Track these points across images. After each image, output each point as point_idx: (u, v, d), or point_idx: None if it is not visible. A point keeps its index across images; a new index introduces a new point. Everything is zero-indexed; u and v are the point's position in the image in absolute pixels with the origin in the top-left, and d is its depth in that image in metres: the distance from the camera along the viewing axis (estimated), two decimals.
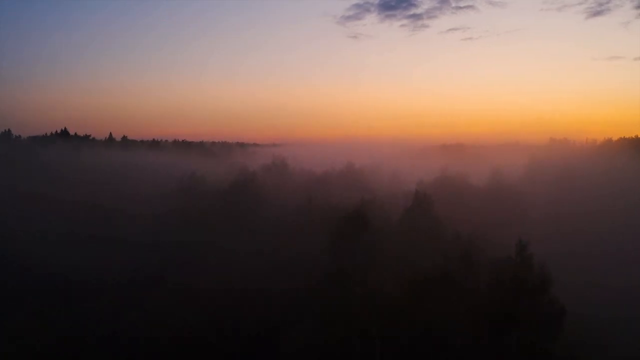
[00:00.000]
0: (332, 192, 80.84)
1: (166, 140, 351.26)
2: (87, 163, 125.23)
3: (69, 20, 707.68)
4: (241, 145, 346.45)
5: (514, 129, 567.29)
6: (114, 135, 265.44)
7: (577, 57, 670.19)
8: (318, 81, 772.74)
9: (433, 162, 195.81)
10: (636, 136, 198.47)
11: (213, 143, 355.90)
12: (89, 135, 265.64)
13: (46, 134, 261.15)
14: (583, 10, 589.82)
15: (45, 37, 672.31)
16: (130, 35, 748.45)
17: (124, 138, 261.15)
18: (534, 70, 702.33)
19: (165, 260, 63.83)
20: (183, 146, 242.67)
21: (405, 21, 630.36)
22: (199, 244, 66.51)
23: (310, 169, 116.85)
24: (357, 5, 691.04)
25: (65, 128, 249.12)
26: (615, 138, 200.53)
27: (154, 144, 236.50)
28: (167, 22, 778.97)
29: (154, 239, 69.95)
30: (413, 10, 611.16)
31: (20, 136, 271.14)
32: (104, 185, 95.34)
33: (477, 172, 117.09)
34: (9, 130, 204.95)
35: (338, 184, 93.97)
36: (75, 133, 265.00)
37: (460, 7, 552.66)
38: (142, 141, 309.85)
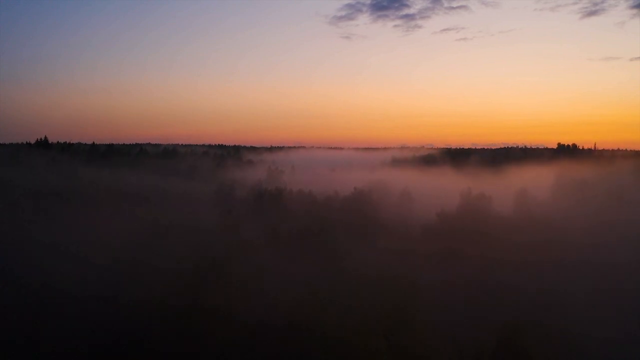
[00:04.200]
0: (339, 239, 65.37)
1: (158, 144, 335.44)
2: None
3: (54, 21, 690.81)
4: (236, 150, 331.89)
5: (514, 131, 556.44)
6: (97, 144, 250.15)
7: (572, 58, 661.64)
8: (311, 82, 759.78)
9: (442, 174, 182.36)
10: None
11: (208, 147, 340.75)
12: (71, 144, 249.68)
13: (25, 142, 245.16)
14: (577, 10, 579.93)
15: (40, 38, 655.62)
16: (124, 35, 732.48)
17: (109, 147, 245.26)
18: (529, 71, 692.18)
19: None
20: (170, 155, 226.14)
21: (398, 21, 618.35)
22: None
23: (310, 193, 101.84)
24: (349, 5, 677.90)
25: (45, 137, 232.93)
26: None
27: (141, 154, 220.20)
28: (160, 24, 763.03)
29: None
30: (405, 11, 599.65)
31: None
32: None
33: (498, 191, 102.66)
34: None
35: (345, 218, 79.00)
36: (57, 141, 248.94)
37: (453, 7, 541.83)
38: (129, 146, 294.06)
